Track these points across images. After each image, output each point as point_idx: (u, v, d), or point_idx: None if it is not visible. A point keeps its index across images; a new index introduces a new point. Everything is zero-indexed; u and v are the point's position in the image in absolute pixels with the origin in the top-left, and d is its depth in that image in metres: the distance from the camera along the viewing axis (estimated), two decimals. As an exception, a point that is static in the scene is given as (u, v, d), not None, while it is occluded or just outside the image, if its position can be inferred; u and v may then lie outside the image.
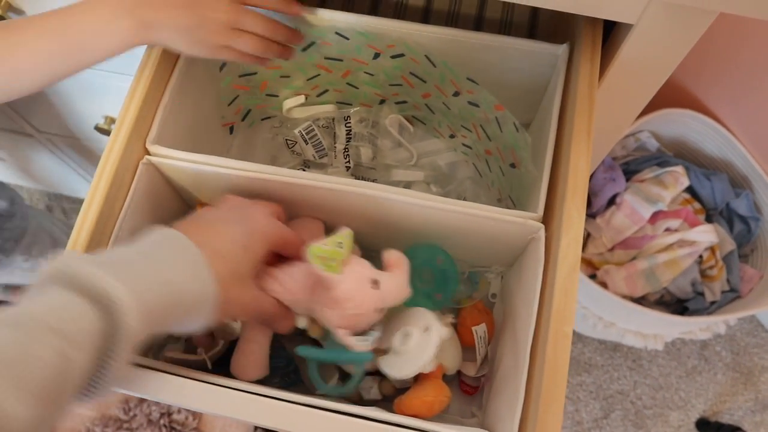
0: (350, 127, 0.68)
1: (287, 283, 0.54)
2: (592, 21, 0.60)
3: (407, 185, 0.70)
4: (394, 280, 0.55)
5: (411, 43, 0.60)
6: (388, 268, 0.56)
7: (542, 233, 0.54)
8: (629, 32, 0.56)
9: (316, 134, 0.69)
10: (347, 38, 0.61)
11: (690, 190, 1.29)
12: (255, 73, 0.68)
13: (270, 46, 0.58)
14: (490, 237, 0.58)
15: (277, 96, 0.72)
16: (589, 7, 0.54)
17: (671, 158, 1.31)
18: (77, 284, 0.39)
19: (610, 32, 0.61)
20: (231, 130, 0.74)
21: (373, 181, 0.70)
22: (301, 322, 0.55)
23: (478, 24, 0.82)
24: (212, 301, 0.46)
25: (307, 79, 0.69)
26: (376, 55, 0.63)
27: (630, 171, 1.31)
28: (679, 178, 1.26)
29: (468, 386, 0.66)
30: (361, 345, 0.53)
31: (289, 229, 0.54)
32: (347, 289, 0.52)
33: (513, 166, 0.61)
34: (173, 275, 0.44)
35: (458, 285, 0.63)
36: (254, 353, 0.57)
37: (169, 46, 0.57)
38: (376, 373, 0.60)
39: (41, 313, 0.37)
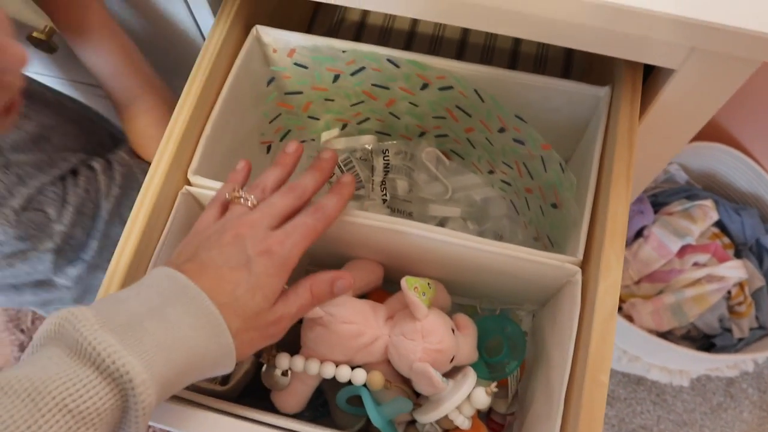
0: (388, 159, 0.68)
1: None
2: (633, 63, 0.60)
3: (443, 220, 0.71)
4: (465, 339, 0.58)
5: (461, 76, 0.61)
6: (458, 329, 0.59)
7: (579, 277, 0.54)
8: (670, 77, 0.55)
9: (353, 166, 0.69)
10: (398, 66, 0.62)
11: (719, 224, 1.28)
12: (300, 93, 0.69)
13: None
14: (524, 277, 0.58)
15: (318, 119, 0.73)
16: (632, 51, 0.54)
17: (700, 191, 1.30)
18: (91, 355, 0.38)
19: (650, 72, 0.61)
20: (268, 149, 0.75)
21: (409, 214, 0.70)
22: (359, 378, 0.56)
23: (513, 58, 0.83)
24: (231, 357, 0.45)
25: (351, 105, 0.70)
26: (425, 86, 0.64)
27: (658, 203, 1.30)
28: (708, 212, 1.25)
29: (496, 423, 0.66)
30: (441, 381, 0.54)
31: (300, 237, 0.49)
32: (434, 322, 0.55)
33: (555, 206, 0.61)
34: (190, 339, 0.42)
35: (526, 352, 0.64)
36: (302, 393, 0.58)
37: None
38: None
39: (56, 386, 0.36)
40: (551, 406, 0.52)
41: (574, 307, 0.53)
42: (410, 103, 0.68)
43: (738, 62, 0.52)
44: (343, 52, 0.62)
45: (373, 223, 0.56)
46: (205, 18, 0.66)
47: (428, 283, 0.57)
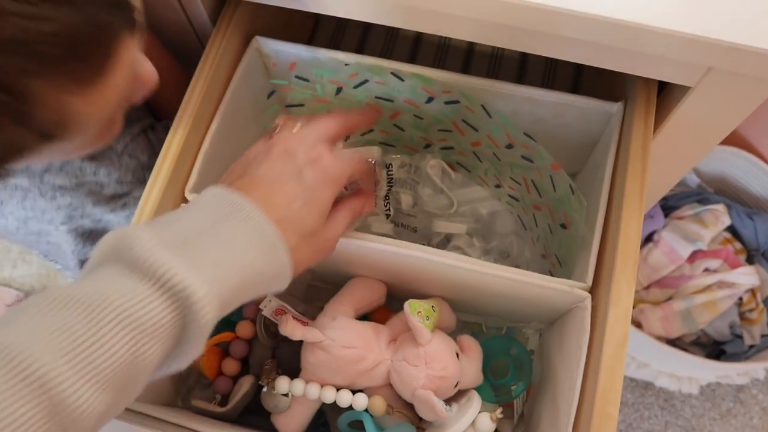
0: (392, 175, 0.67)
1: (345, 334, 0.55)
2: (647, 79, 0.58)
3: (448, 236, 0.69)
4: (469, 362, 0.57)
5: (468, 92, 0.59)
6: (463, 351, 0.57)
7: (588, 303, 0.52)
8: (686, 94, 0.53)
9: (356, 180, 0.67)
10: (402, 79, 0.60)
11: (731, 229, 1.25)
12: (302, 105, 0.67)
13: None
14: (531, 300, 0.56)
15: None
16: (647, 68, 0.52)
17: (712, 195, 1.28)
18: (148, 272, 0.37)
19: (664, 87, 0.59)
20: None
21: (413, 229, 0.69)
22: (361, 403, 0.54)
23: (522, 66, 0.80)
24: (287, 274, 0.44)
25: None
26: (430, 99, 0.62)
27: (668, 207, 1.27)
28: (719, 217, 1.22)
29: (501, 445, 0.64)
30: (444, 410, 0.52)
31: (354, 156, 0.50)
32: (437, 348, 0.53)
33: (564, 226, 0.59)
34: (247, 256, 0.41)
35: (533, 373, 0.62)
36: (303, 416, 0.57)
37: None
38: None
39: (115, 299, 0.35)
40: (558, 436, 0.51)
41: (582, 334, 0.51)
42: (415, 115, 0.66)
43: (757, 82, 0.49)
44: (346, 65, 0.60)
45: (376, 246, 0.54)
46: (205, 27, 0.64)
47: (432, 306, 0.55)
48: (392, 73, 0.60)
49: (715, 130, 0.57)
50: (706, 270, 1.21)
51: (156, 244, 0.37)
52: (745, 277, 1.19)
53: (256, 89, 0.65)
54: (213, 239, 0.40)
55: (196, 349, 0.38)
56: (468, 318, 0.67)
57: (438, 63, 0.80)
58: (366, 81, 0.62)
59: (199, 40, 0.67)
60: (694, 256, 1.21)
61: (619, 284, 0.50)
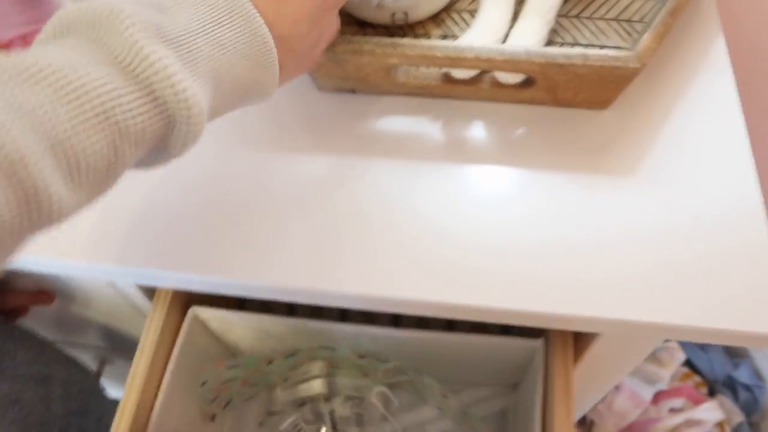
0: (336, 421, 0.69)
1: None
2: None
3: (398, 468, 0.70)
4: None
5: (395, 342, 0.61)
6: None
7: None
8: (596, 338, 0.57)
9: (301, 428, 0.69)
10: (334, 349, 0.63)
11: (689, 363, 1.28)
12: (236, 378, 0.69)
13: None
14: None
15: (256, 385, 0.73)
16: (557, 322, 0.56)
17: (665, 331, 1.31)
18: (138, 68, 0.31)
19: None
20: (213, 418, 0.75)
21: (363, 463, 0.70)
22: None
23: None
24: (271, 95, 0.40)
25: (285, 358, 0.70)
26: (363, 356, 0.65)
27: (625, 348, 1.30)
28: (674, 354, 1.25)
29: None
30: None
31: None
32: None
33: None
34: (240, 69, 0.36)
35: None
36: None
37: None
38: None
39: (99, 93, 0.30)
40: None
41: None
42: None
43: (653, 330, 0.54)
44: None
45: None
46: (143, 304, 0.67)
47: None
48: (320, 347, 0.63)
49: (629, 358, 0.60)
50: (672, 410, 1.22)
51: (155, 35, 0.32)
52: (710, 412, 1.20)
53: (201, 349, 0.67)
54: (212, 44, 0.35)
55: (174, 158, 0.36)
56: None
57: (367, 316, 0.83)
58: (297, 352, 0.65)
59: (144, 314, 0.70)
60: (657, 397, 1.23)
61: None
